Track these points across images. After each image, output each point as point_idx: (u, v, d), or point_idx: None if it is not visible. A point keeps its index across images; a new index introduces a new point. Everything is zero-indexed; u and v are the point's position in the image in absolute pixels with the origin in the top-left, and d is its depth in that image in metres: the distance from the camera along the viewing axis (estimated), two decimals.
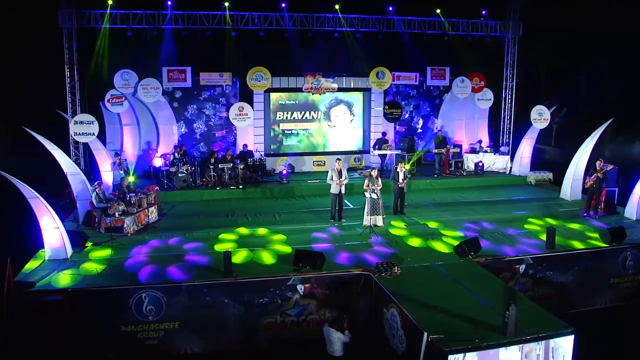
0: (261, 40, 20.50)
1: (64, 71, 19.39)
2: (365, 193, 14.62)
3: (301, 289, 11.69)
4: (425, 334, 9.13)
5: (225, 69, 20.54)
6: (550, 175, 20.86)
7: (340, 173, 15.34)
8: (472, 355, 8.89)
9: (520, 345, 9.23)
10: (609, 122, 18.06)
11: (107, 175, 17.54)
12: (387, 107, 21.80)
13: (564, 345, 9.49)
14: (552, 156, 26.48)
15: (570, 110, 27.70)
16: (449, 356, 8.71)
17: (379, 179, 14.93)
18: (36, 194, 12.37)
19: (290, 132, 22.03)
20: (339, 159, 15.94)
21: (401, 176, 15.95)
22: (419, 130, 23.47)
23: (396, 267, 11.81)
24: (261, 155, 20.67)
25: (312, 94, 21.23)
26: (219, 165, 18.76)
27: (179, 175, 18.41)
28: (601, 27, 22.69)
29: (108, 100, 19.63)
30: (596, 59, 23.51)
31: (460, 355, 8.81)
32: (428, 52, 22.08)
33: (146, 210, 15.29)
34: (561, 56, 24.99)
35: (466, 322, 9.64)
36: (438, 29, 21.74)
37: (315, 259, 12.09)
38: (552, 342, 9.47)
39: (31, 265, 12.31)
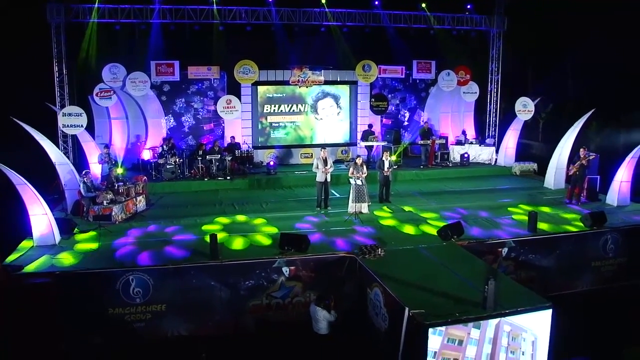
0: (248, 34, 20.63)
1: (52, 65, 19.46)
2: (350, 180, 14.85)
3: (286, 271, 11.88)
4: (407, 309, 9.33)
5: (213, 63, 20.69)
6: (534, 165, 21.14)
7: (325, 161, 15.53)
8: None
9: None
10: (590, 112, 18.35)
11: (96, 167, 17.65)
12: (373, 99, 22.03)
13: (536, 329, 9.67)
14: (539, 151, 26.79)
15: (556, 105, 28.12)
16: (429, 329, 8.91)
17: (364, 167, 15.15)
18: (24, 180, 12.50)
19: (277, 124, 22.17)
20: (323, 148, 16.16)
21: (386, 165, 16.16)
22: (405, 123, 23.71)
23: (379, 249, 12.04)
24: (249, 147, 20.83)
25: (299, 87, 21.40)
26: (207, 156, 18.92)
27: (167, 166, 18.56)
28: (586, 22, 23.03)
29: (96, 94, 19.71)
30: (581, 53, 23.85)
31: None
32: (414, 46, 22.30)
33: (134, 199, 15.42)
34: (546, 51, 25.34)
35: (447, 299, 9.84)
36: (424, 23, 21.94)
37: (300, 241, 12.28)
38: (523, 333, 9.65)
39: (19, 251, 12.39)
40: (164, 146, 19.26)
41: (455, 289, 10.33)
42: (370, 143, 20.59)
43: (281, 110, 22.03)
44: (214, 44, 20.63)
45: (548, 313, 9.72)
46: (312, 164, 16.11)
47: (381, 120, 22.95)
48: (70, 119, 17.51)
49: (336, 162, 20.14)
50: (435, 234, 13.40)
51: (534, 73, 26.71)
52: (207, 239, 12.22)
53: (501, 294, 9.80)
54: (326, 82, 21.74)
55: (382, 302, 10.45)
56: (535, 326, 9.64)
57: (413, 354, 9.21)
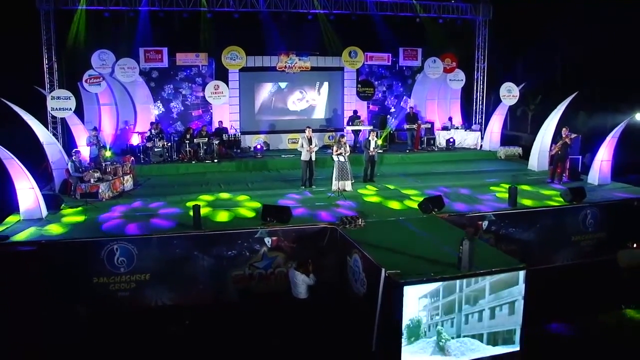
0: (236, 21, 20.75)
1: (42, 52, 19.61)
2: (334, 156, 15.07)
3: (268, 241, 12.05)
4: (383, 270, 9.50)
5: (201, 50, 20.91)
6: (519, 150, 21.42)
7: (310, 140, 15.74)
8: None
9: None
10: (573, 95, 18.61)
11: (84, 150, 17.79)
12: (360, 85, 22.28)
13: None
14: (529, 143, 26.91)
15: (545, 97, 28.33)
16: (404, 287, 9.11)
17: (347, 145, 15.40)
18: (11, 154, 12.62)
19: (267, 111, 22.43)
20: (308, 127, 16.37)
21: (372, 144, 16.39)
22: (392, 110, 23.90)
23: (360, 220, 12.23)
24: (236, 131, 21.01)
25: (286, 72, 21.61)
26: (195, 140, 19.13)
27: (155, 150, 18.77)
28: (574, 10, 23.31)
29: (86, 81, 19.86)
30: (569, 43, 24.16)
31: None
32: (400, 34, 22.46)
33: (121, 178, 15.60)
34: (532, 40, 25.55)
35: (424, 261, 10.02)
36: (410, 11, 22.11)
37: (282, 213, 12.48)
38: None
39: (5, 225, 12.53)
40: (152, 130, 19.43)
41: (432, 253, 10.51)
42: (356, 127, 20.82)
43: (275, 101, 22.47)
44: (202, 32, 20.81)
45: (522, 274, 9.94)
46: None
47: (368, 107, 23.18)
48: (59, 102, 17.73)
49: (324, 147, 20.38)
50: (416, 207, 13.59)
51: (522, 63, 26.90)
52: (191, 212, 12.39)
53: (476, 257, 10.03)
54: (312, 69, 21.94)
55: (361, 268, 10.62)
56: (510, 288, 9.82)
57: (390, 312, 9.40)
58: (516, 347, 9.96)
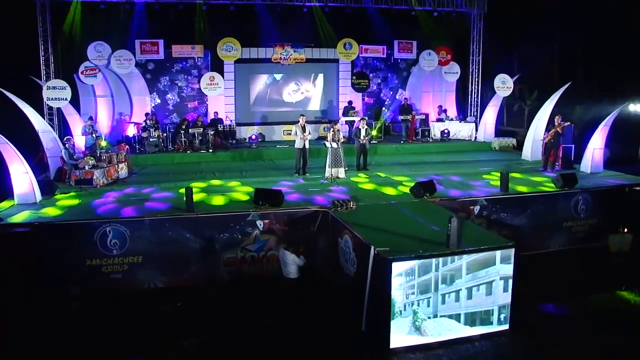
0: (232, 13, 20.85)
1: (38, 44, 19.69)
2: (326, 143, 15.17)
3: (260, 224, 12.14)
4: (372, 247, 9.60)
5: (197, 42, 21.00)
6: (513, 141, 21.52)
7: (304, 128, 15.83)
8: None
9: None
10: (567, 85, 18.70)
11: (79, 140, 17.88)
12: (354, 77, 22.38)
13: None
14: (524, 138, 27.04)
15: (541, 92, 28.37)
16: (393, 263, 9.20)
17: (340, 132, 15.50)
18: (5, 139, 12.72)
19: (263, 102, 22.52)
20: (302, 115, 16.46)
21: (363, 133, 16.47)
22: (387, 102, 23.98)
23: (351, 202, 12.32)
24: (231, 121, 21.10)
25: (282, 64, 21.70)
26: (190, 130, 19.23)
27: (151, 140, 18.86)
28: (569, 2, 23.36)
29: (82, 72, 19.94)
30: (564, 35, 24.20)
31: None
32: (395, 27, 22.57)
33: (116, 165, 15.68)
34: (528, 34, 25.61)
35: (413, 240, 10.13)
36: (404, 4, 22.19)
37: (275, 196, 12.57)
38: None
39: None
40: (148, 121, 19.52)
41: (421, 233, 10.64)
42: (351, 118, 20.91)
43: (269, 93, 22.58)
44: (197, 24, 20.90)
45: (511, 252, 10.02)
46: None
47: (363, 99, 23.26)
48: (55, 92, 17.85)
49: (319, 139, 20.48)
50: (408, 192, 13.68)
51: (517, 56, 26.94)
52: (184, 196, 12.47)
53: (466, 237, 10.13)
54: (308, 60, 22.03)
55: (351, 248, 10.70)
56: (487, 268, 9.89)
57: (379, 289, 9.48)
58: (504, 326, 10.08)
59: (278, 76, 22.52)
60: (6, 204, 13.00)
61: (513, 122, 28.43)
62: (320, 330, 10.13)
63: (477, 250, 9.82)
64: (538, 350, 9.55)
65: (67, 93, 17.92)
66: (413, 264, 9.31)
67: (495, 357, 9.46)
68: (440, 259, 9.50)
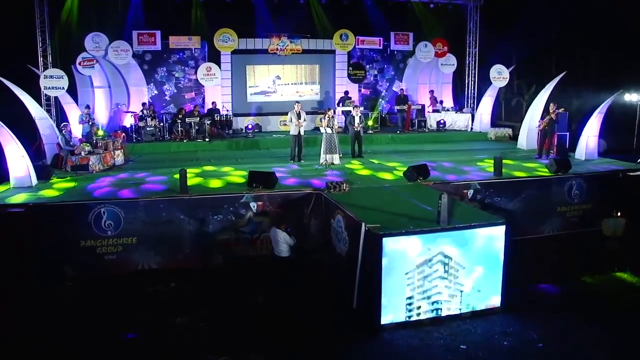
0: (228, 5, 20.93)
1: (35, 35, 19.76)
2: (321, 128, 15.24)
3: (254, 206, 12.21)
4: (363, 224, 9.66)
5: (194, 33, 21.09)
6: (509, 131, 21.60)
7: (299, 115, 15.91)
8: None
9: None
10: (561, 75, 18.78)
11: (76, 129, 17.95)
12: (351, 68, 22.45)
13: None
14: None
15: (539, 86, 28.40)
16: (384, 239, 9.26)
17: (334, 119, 15.57)
18: (0, 123, 12.81)
19: (258, 93, 22.57)
20: (297, 102, 16.53)
21: (357, 120, 16.54)
22: (384, 93, 24.00)
23: (345, 184, 12.38)
24: (228, 111, 21.17)
25: (278, 54, 21.77)
26: (186, 119, 19.32)
27: (147, 129, 18.95)
28: None
29: (79, 63, 19.95)
30: (562, 28, 24.28)
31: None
32: (392, 18, 22.67)
33: (112, 152, 15.76)
34: (525, 27, 25.68)
35: (405, 218, 10.21)
36: None
37: (268, 178, 12.64)
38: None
39: None
40: (145, 110, 19.60)
41: (413, 212, 10.72)
42: (347, 108, 20.95)
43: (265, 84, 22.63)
44: (194, 15, 21.04)
45: (501, 229, 10.08)
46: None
47: (359, 90, 23.30)
48: (52, 81, 17.95)
49: (315, 129, 20.52)
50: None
51: (514, 48, 26.99)
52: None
53: (457, 215, 10.20)
54: (304, 51, 22.09)
55: (343, 227, 10.77)
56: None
57: (369, 265, 9.55)
58: (496, 304, 10.15)
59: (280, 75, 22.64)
60: (2, 187, 13.06)
61: (511, 116, 28.46)
62: (312, 308, 10.20)
63: (468, 226, 9.90)
64: (529, 328, 9.56)
65: (65, 82, 18.02)
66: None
67: (486, 334, 9.45)
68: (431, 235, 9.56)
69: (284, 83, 22.60)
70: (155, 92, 21.39)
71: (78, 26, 20.13)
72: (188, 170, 13.60)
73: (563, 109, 17.15)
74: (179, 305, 10.34)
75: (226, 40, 20.94)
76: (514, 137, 20.85)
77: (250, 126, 20.32)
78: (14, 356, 8.62)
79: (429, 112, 22.96)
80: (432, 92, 23.58)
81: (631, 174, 15.08)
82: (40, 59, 19.72)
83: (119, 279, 11.43)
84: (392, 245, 9.30)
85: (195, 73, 21.11)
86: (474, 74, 23.84)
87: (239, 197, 12.20)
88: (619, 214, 13.68)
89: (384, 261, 9.29)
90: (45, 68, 19.63)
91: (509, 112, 28.52)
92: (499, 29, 24.10)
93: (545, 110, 17.79)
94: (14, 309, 10.13)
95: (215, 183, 13.35)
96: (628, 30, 22.33)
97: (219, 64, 21.20)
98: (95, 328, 9.47)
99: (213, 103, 21.02)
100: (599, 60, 23.50)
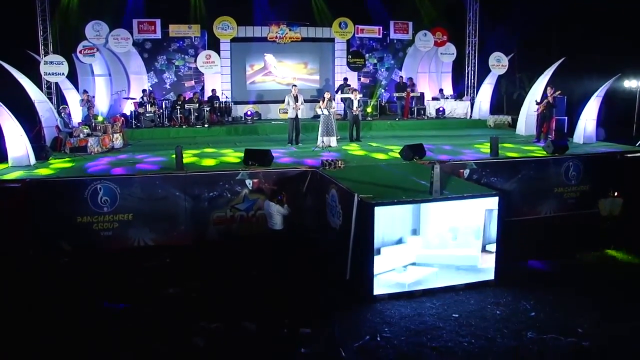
0: None
1: (36, 23, 19.87)
2: (318, 110, 15.29)
3: (249, 183, 12.25)
4: (356, 195, 9.69)
5: (193, 21, 21.18)
6: (509, 118, 21.57)
7: (296, 98, 15.94)
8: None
9: None
10: (560, 60, 18.75)
11: (76, 114, 18.04)
12: (350, 56, 22.47)
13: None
14: None
15: (539, 75, 28.33)
16: (375, 208, 9.29)
17: (332, 102, 15.62)
18: None
19: (257, 82, 22.64)
20: (294, 85, 16.58)
21: (355, 104, 16.58)
22: (384, 82, 24.03)
23: (340, 162, 12.43)
24: (227, 98, 21.23)
25: (277, 42, 21.85)
26: (186, 106, 19.40)
27: (147, 115, 19.03)
28: None
29: (80, 52, 20.03)
30: (562, 16, 24.24)
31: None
32: (391, 7, 22.81)
33: (111, 135, 15.84)
34: (525, 17, 25.66)
35: (398, 190, 10.27)
36: None
37: (264, 156, 12.69)
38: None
39: None
40: (145, 97, 19.69)
41: (406, 184, 10.78)
42: (346, 95, 20.96)
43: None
44: (194, 3, 21.16)
45: (494, 200, 10.08)
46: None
47: (359, 79, 23.31)
48: (52, 67, 18.07)
49: (314, 117, 20.54)
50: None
51: (514, 38, 26.97)
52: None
53: (450, 187, 10.23)
54: (303, 39, 22.15)
55: (337, 200, 10.81)
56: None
57: (362, 236, 9.57)
58: (490, 277, 10.15)
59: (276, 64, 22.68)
60: (0, 166, 13.16)
61: (513, 109, 28.37)
62: (305, 280, 10.25)
63: (460, 197, 9.93)
64: (523, 300, 9.55)
65: (64, 68, 18.14)
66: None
67: (479, 305, 9.44)
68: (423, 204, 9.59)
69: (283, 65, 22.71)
70: (156, 80, 21.45)
71: (78, 14, 20.25)
72: (186, 152, 13.78)
73: (560, 92, 17.11)
74: (172, 279, 10.37)
75: (225, 28, 21.01)
76: (514, 125, 20.81)
77: (249, 113, 20.37)
78: (8, 327, 8.64)
79: (428, 100, 22.96)
80: (441, 90, 23.64)
81: (630, 155, 15.02)
82: (41, 47, 19.84)
83: (114, 255, 11.47)
84: (384, 214, 9.33)
85: (195, 61, 21.17)
86: (474, 63, 23.84)
87: (235, 174, 12.24)
88: (616, 194, 13.66)
89: (377, 229, 9.31)
90: (46, 55, 19.77)
91: (510, 105, 28.41)
92: (498, 18, 24.13)
93: (545, 94, 17.79)
94: (8, 280, 10.17)
95: (211, 162, 13.40)
96: (630, 17, 22.30)
97: (218, 52, 21.27)
98: (86, 299, 9.49)
99: (213, 90, 21.07)
100: (598, 46, 23.38)
